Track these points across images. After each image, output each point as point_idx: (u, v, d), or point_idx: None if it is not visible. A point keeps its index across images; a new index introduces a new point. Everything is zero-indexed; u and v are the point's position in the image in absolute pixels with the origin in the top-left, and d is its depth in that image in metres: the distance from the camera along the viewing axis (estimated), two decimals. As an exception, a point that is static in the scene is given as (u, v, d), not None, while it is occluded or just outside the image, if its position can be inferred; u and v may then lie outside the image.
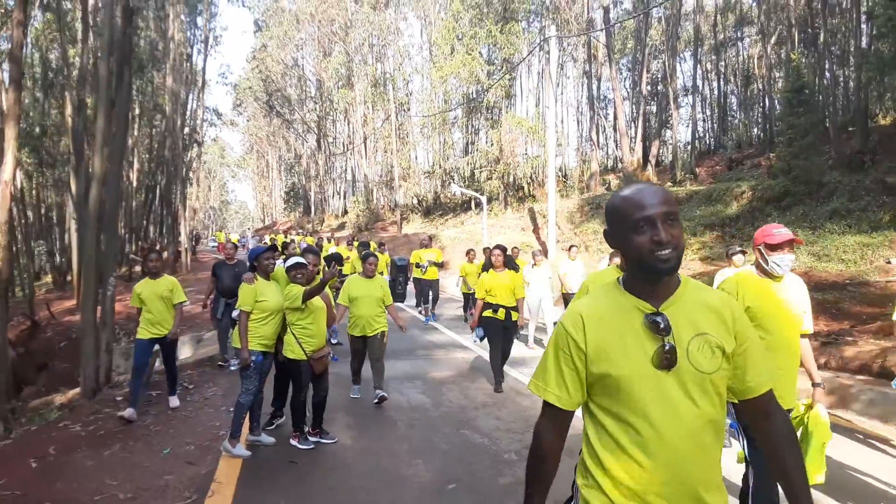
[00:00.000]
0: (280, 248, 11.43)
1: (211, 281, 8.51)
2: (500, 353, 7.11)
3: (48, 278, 27.70)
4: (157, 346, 6.51)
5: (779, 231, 3.05)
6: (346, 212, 47.17)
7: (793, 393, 3.08)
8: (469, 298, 12.39)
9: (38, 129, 23.83)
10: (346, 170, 52.11)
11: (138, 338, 6.30)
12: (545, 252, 20.90)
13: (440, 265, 13.13)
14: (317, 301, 5.20)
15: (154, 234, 35.11)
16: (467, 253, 12.72)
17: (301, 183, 57.73)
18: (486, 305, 7.05)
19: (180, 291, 6.51)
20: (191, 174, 32.51)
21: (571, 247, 11.12)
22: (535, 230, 25.68)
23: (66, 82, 17.36)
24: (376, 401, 6.39)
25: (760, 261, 3.11)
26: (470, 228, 29.46)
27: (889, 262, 11.72)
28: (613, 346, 1.49)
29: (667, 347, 1.44)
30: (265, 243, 18.19)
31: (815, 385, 3.38)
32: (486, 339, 7.26)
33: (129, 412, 5.97)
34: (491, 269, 7.24)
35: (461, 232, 29.35)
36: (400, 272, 12.33)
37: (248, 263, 5.66)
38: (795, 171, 16.81)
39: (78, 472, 4.75)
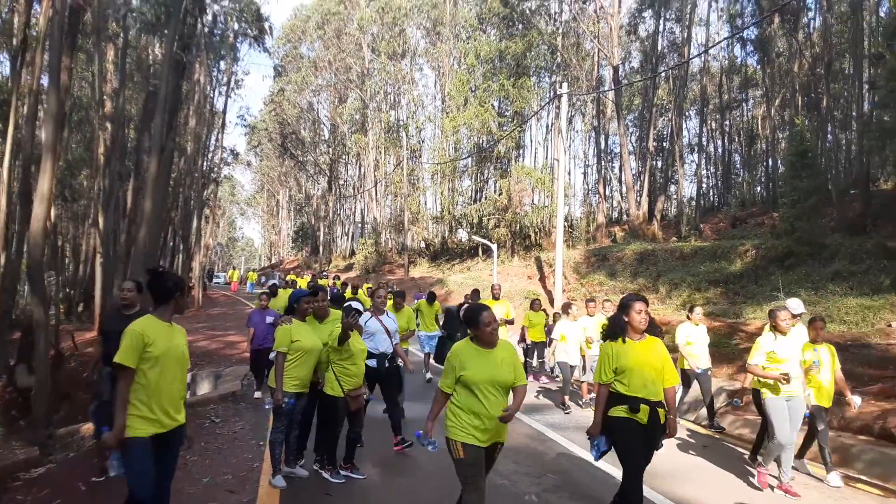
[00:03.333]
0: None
1: (98, 345, 5.60)
2: (640, 480, 4.24)
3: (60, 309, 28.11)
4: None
5: None
6: (353, 253, 47.76)
7: None
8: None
9: (62, 164, 24.65)
10: (355, 212, 52.99)
11: (135, 436, 3.50)
12: (551, 301, 21.25)
13: (510, 322, 10.59)
14: (358, 343, 5.60)
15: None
16: (566, 308, 9.78)
17: (310, 223, 58.58)
18: (615, 398, 4.32)
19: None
20: (206, 211, 33.23)
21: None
22: (542, 279, 26.09)
23: (99, 123, 18.14)
24: None
25: None
26: (476, 275, 29.88)
27: (890, 325, 12.07)
28: None
29: None
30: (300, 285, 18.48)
31: None
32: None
33: None
34: (623, 337, 4.39)
35: (468, 277, 29.75)
36: (460, 329, 8.23)
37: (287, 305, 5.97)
38: (798, 233, 17.29)
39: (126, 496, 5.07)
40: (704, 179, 40.11)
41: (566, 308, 9.74)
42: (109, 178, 16.16)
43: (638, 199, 31.34)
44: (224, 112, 35.56)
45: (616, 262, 24.09)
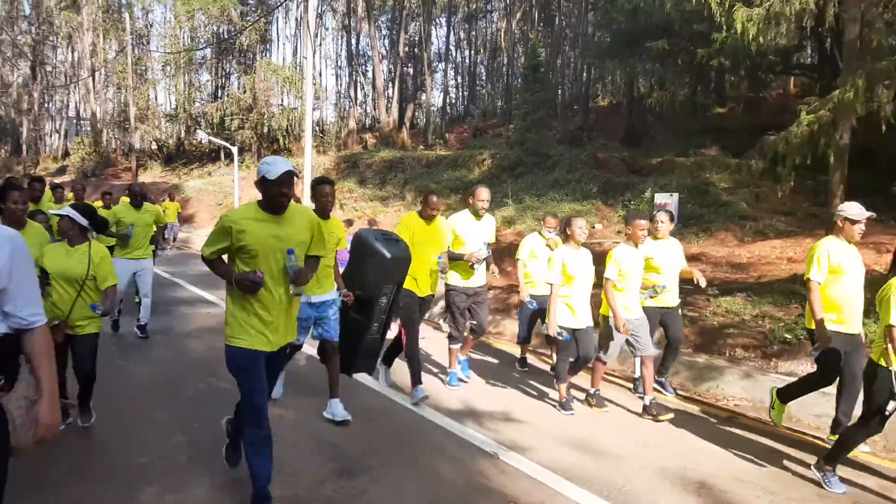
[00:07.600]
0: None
1: None
2: None
3: None
4: None
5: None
6: (67, 154, 40.79)
7: None
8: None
9: None
10: (68, 105, 45.05)
11: None
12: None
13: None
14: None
15: None
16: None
17: (9, 116, 48.34)
18: None
19: None
20: None
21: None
22: (290, 185, 24.92)
23: None
24: None
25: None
26: (218, 180, 27.57)
27: (594, 228, 13.60)
28: None
29: None
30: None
31: None
32: None
33: None
34: None
35: (208, 183, 27.34)
36: (389, 281, 4.67)
37: None
38: (527, 143, 18.61)
39: None
40: (452, 90, 41.46)
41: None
42: None
43: (388, 105, 31.17)
44: None
45: (366, 168, 23.88)
